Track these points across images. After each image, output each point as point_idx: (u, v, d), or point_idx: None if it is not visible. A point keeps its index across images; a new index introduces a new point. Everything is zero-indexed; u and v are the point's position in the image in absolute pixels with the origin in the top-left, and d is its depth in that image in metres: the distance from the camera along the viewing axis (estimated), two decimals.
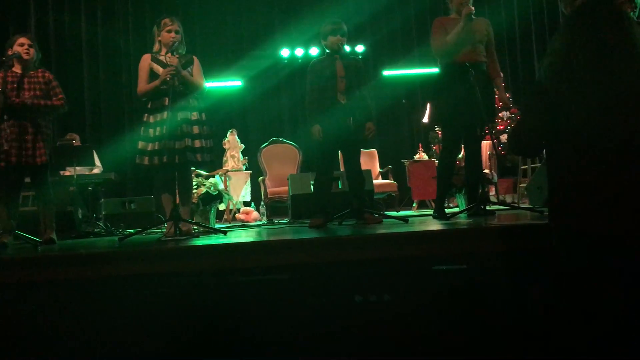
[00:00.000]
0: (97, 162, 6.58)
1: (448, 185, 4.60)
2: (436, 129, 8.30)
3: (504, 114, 8.69)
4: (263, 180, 7.30)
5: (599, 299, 1.93)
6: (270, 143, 7.71)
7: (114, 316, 2.70)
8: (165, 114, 3.84)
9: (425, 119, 8.17)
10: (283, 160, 7.54)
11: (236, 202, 7.35)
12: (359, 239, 2.94)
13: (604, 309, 1.92)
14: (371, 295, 2.67)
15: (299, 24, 8.99)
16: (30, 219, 4.56)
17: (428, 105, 7.38)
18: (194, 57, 4.15)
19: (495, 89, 4.41)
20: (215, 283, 2.74)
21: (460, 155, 5.05)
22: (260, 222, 6.36)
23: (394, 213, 5.89)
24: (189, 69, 4.04)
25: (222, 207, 6.53)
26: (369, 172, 5.79)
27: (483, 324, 2.65)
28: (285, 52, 9.26)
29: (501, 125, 8.63)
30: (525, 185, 6.45)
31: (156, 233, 4.58)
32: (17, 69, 4.12)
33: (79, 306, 2.71)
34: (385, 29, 9.65)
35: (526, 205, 5.50)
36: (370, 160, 8.00)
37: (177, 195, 3.95)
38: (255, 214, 6.89)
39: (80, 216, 5.49)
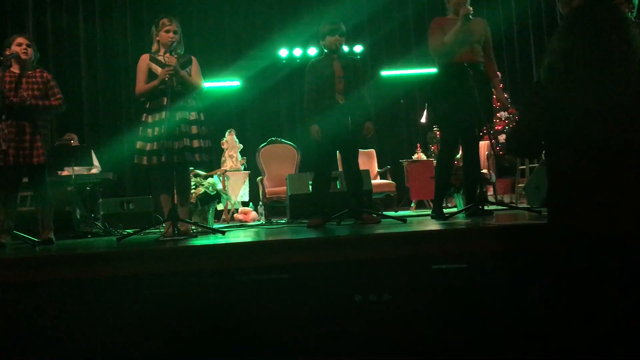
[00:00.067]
0: (96, 162, 6.58)
1: (446, 185, 4.60)
2: (434, 129, 8.31)
3: (502, 114, 8.70)
4: (261, 180, 7.29)
5: (599, 299, 1.93)
6: (269, 143, 7.70)
7: (112, 316, 2.69)
8: (163, 114, 3.83)
9: (424, 119, 8.18)
10: (281, 160, 7.54)
11: (234, 202, 7.35)
12: (357, 239, 2.94)
13: (604, 309, 1.92)
14: (371, 295, 2.67)
15: (298, 24, 8.99)
16: (28, 219, 4.55)
17: (426, 105, 7.38)
18: (193, 57, 4.14)
19: (492, 89, 4.42)
20: (213, 283, 2.73)
21: (458, 156, 5.05)
22: (259, 222, 6.36)
23: (392, 213, 5.89)
24: (187, 69, 4.04)
25: (220, 207, 6.53)
26: (367, 172, 5.79)
27: (482, 323, 2.65)
28: (283, 52, 9.26)
29: (499, 126, 8.64)
30: (523, 185, 6.45)
31: (154, 233, 4.58)
32: (15, 68, 4.11)
33: (77, 306, 2.70)
34: (384, 29, 9.65)
35: (524, 205, 5.51)
36: (368, 160, 8.01)
37: (176, 195, 3.95)
38: (253, 214, 6.89)
39: (78, 216, 5.48)
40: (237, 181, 7.59)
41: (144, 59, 4.03)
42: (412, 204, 8.00)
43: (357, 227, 3.90)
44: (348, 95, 4.28)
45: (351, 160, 4.38)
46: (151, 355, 2.66)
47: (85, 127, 8.94)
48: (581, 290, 1.98)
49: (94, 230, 5.26)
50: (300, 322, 2.68)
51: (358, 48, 9.31)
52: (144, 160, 3.91)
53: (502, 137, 8.55)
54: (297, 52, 9.24)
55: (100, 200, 6.07)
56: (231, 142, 7.93)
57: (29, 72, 4.13)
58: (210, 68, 8.07)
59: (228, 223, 6.62)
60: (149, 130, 3.91)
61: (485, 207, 4.11)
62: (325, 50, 4.37)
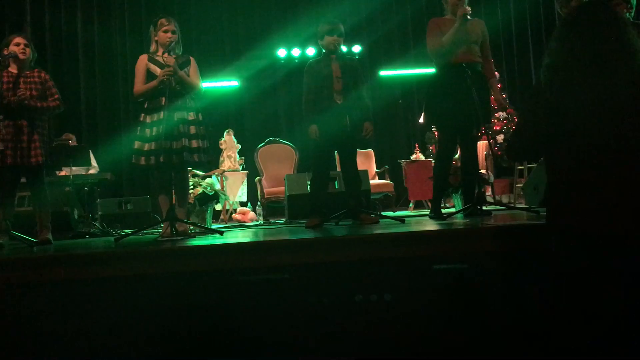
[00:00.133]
0: (94, 162, 6.56)
1: (444, 185, 4.60)
2: (433, 129, 8.30)
3: (500, 114, 8.70)
4: (259, 181, 7.29)
5: (599, 299, 1.94)
6: (267, 143, 7.70)
7: (110, 317, 2.69)
8: (162, 114, 3.83)
9: (422, 120, 8.18)
10: (280, 161, 7.54)
11: (233, 202, 7.34)
12: (355, 239, 2.94)
13: (604, 309, 1.93)
14: (372, 295, 2.67)
15: (296, 24, 8.99)
16: (26, 220, 4.55)
17: (424, 106, 7.39)
18: (191, 58, 4.14)
19: (490, 90, 4.42)
20: (212, 283, 2.73)
21: (456, 156, 5.06)
22: (257, 223, 6.36)
23: (390, 213, 5.89)
24: (185, 69, 4.04)
25: (218, 207, 6.53)
26: (365, 172, 5.79)
27: (482, 323, 2.65)
28: (282, 52, 9.25)
29: (497, 126, 8.64)
30: (521, 185, 6.46)
31: (152, 233, 4.57)
32: (13, 68, 4.11)
33: (75, 307, 2.70)
34: (382, 29, 9.65)
35: (522, 205, 5.52)
36: (366, 161, 8.01)
37: (174, 196, 3.94)
38: (251, 214, 6.88)
39: (76, 216, 5.48)
40: (235, 181, 7.58)
41: (142, 59, 4.03)
42: (411, 204, 8.00)
43: (356, 227, 3.90)
44: (346, 95, 4.27)
45: (349, 160, 4.38)
46: (149, 356, 2.65)
47: (83, 127, 8.93)
48: (581, 290, 1.98)
49: (92, 231, 5.25)
50: (298, 322, 2.68)
51: (356, 48, 9.31)
52: (142, 161, 3.90)
53: (500, 137, 8.55)
54: (296, 52, 9.23)
55: (99, 200, 6.06)
56: (229, 142, 7.93)
57: (27, 72, 4.13)
58: (208, 68, 8.07)
59: (226, 223, 6.62)
60: (147, 131, 3.91)
61: (484, 207, 4.11)
62: (324, 51, 4.37)
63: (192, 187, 5.26)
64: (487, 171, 6.91)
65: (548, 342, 2.18)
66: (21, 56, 4.09)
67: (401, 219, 4.03)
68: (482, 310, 2.68)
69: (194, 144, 3.95)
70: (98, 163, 6.69)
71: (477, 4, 9.09)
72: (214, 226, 5.36)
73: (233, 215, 7.03)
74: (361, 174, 4.59)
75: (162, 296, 2.71)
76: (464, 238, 2.84)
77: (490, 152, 6.85)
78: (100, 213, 5.88)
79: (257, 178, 7.39)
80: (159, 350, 2.66)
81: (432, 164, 4.63)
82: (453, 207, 6.30)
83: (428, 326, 2.67)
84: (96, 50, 9.09)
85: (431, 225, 3.55)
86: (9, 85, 4.02)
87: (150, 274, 2.74)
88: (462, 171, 4.48)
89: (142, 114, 3.99)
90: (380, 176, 8.07)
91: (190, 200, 5.04)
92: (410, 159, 8.26)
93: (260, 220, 6.55)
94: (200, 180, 5.66)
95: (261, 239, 3.49)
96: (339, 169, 4.88)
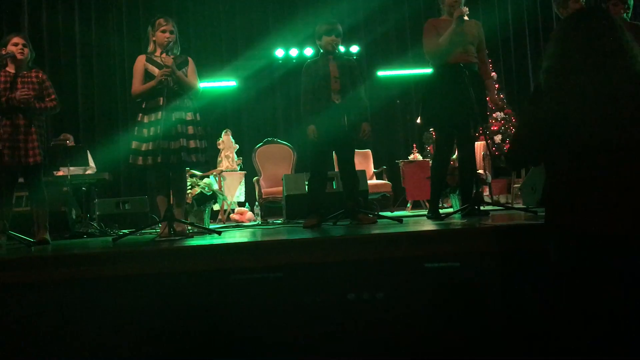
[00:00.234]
0: (91, 162, 6.56)
1: (442, 185, 4.60)
2: (430, 129, 8.30)
3: (498, 115, 8.71)
4: (257, 181, 7.29)
5: (598, 299, 1.95)
6: (265, 143, 7.70)
7: (108, 317, 2.69)
8: (159, 114, 3.83)
9: (419, 120, 8.19)
10: (277, 161, 7.54)
11: (230, 202, 7.33)
12: (353, 239, 2.94)
13: (604, 309, 1.94)
14: (364, 294, 2.67)
15: (294, 24, 8.99)
16: (24, 220, 4.54)
17: (421, 106, 7.39)
18: (189, 58, 4.14)
19: (486, 90, 4.42)
20: (210, 283, 2.73)
21: (454, 156, 5.06)
22: (255, 223, 6.36)
23: (388, 213, 5.90)
24: (183, 69, 4.04)
25: (216, 207, 6.52)
26: (363, 172, 5.79)
27: (478, 323, 2.66)
28: (279, 53, 9.25)
29: (495, 126, 8.66)
30: (519, 185, 6.47)
31: (150, 233, 4.57)
32: (11, 68, 4.10)
33: (72, 307, 2.69)
34: (380, 29, 9.65)
35: (520, 205, 5.52)
36: (364, 161, 8.01)
37: (172, 196, 3.95)
38: (249, 214, 6.88)
39: (74, 216, 5.47)
40: (233, 181, 7.58)
41: (140, 59, 4.03)
42: (408, 205, 8.00)
43: (353, 228, 3.90)
44: (344, 95, 4.27)
45: (347, 161, 4.38)
46: (147, 356, 2.65)
47: (81, 127, 8.92)
48: (581, 290, 1.99)
49: (89, 231, 5.25)
50: (296, 322, 2.68)
51: (354, 48, 9.31)
52: (139, 161, 3.90)
53: (498, 138, 8.56)
54: (294, 52, 9.23)
55: (96, 200, 6.06)
56: (227, 142, 7.92)
57: (25, 72, 4.13)
58: (206, 68, 8.06)
59: (224, 223, 6.61)
60: (145, 131, 3.90)
61: (481, 208, 4.12)
62: (322, 51, 4.38)
63: (190, 187, 5.26)
64: (484, 171, 6.92)
65: (547, 342, 2.19)
66: (19, 56, 4.08)
67: (399, 219, 4.04)
68: (480, 310, 2.68)
69: (192, 144, 3.96)
70: (96, 163, 6.67)
71: (475, 3, 9.11)
72: (211, 226, 5.36)
73: (231, 215, 7.03)
74: (359, 174, 4.59)
75: (159, 296, 2.71)
76: (461, 238, 2.84)
77: (488, 153, 6.85)
78: (97, 213, 5.88)
79: (255, 178, 7.39)
80: (157, 350, 2.66)
81: (430, 164, 4.62)
82: (451, 207, 6.31)
83: (427, 326, 2.68)
84: (94, 50, 9.08)
85: (429, 226, 3.55)
86: (6, 85, 4.01)
87: (148, 274, 2.74)
88: (459, 171, 4.48)
89: (140, 114, 3.99)
90: (378, 176, 8.07)
91: (188, 201, 5.04)
92: (408, 159, 8.26)
93: (258, 221, 6.55)
94: (198, 180, 5.66)
95: (259, 239, 3.50)
96: (336, 169, 4.88)
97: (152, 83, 3.89)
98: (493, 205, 5.40)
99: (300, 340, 2.65)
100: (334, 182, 5.54)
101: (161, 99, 3.82)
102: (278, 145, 7.71)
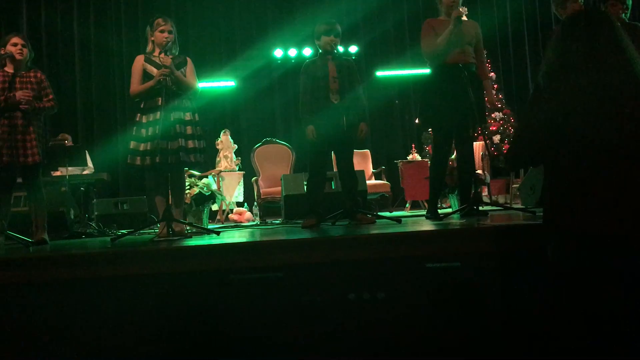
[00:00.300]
0: (89, 162, 6.55)
1: (441, 185, 4.61)
2: (429, 129, 8.31)
3: (497, 115, 8.72)
4: (256, 181, 7.28)
5: (598, 299, 1.95)
6: (264, 143, 7.70)
7: (106, 317, 2.69)
8: (158, 114, 3.82)
9: (418, 121, 8.19)
10: (276, 161, 7.53)
11: (229, 202, 7.34)
12: (352, 239, 2.94)
13: (604, 309, 1.94)
14: (365, 294, 2.67)
15: (292, 24, 8.98)
16: (22, 220, 4.54)
17: (419, 107, 7.40)
18: (188, 58, 4.14)
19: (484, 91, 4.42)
20: (208, 283, 2.73)
21: (453, 156, 5.07)
22: (253, 223, 6.36)
23: (387, 213, 5.90)
24: (182, 69, 4.03)
25: (215, 207, 6.52)
26: (362, 172, 5.79)
27: (478, 323, 2.66)
28: (278, 53, 9.24)
29: (494, 126, 8.66)
30: (517, 186, 6.47)
31: (149, 234, 4.57)
32: (9, 68, 4.10)
33: (71, 307, 2.69)
34: (379, 29, 9.64)
35: (518, 205, 5.53)
36: (363, 161, 8.01)
37: (170, 196, 3.94)
38: (248, 214, 6.88)
39: (72, 216, 5.46)
40: (231, 181, 7.58)
41: (139, 60, 4.03)
42: (407, 205, 8.01)
43: (352, 228, 3.90)
44: (343, 95, 4.28)
45: (346, 161, 4.38)
46: (145, 356, 2.65)
47: (79, 127, 8.91)
48: (581, 290, 1.99)
49: (88, 231, 5.24)
50: (295, 322, 2.68)
51: (353, 48, 9.30)
52: (137, 161, 3.90)
53: (496, 138, 8.57)
54: (292, 52, 9.22)
55: (95, 200, 6.05)
56: (226, 142, 7.92)
57: (23, 72, 4.12)
58: (204, 68, 8.06)
59: (223, 223, 6.61)
60: (143, 131, 3.90)
61: (480, 208, 4.12)
62: (320, 51, 4.38)
63: (188, 187, 5.26)
64: (483, 171, 6.92)
65: (547, 342, 2.19)
66: (18, 57, 4.08)
67: (398, 219, 4.03)
68: (479, 310, 2.68)
69: (191, 144, 3.95)
70: (94, 163, 6.67)
71: (474, 4, 9.12)
72: (210, 226, 5.35)
73: (229, 215, 7.03)
74: (358, 174, 4.59)
75: (158, 296, 2.70)
76: (460, 238, 2.84)
77: (487, 153, 6.85)
78: (96, 213, 5.87)
79: (253, 178, 7.38)
80: (156, 350, 2.66)
81: (429, 165, 4.62)
82: (449, 207, 6.31)
83: (426, 326, 2.68)
84: (92, 50, 9.07)
85: (427, 226, 3.55)
86: (4, 85, 4.01)
87: (146, 274, 2.74)
88: (458, 171, 4.48)
89: (138, 114, 3.98)
90: (377, 176, 8.07)
91: (186, 201, 5.04)
92: (406, 159, 8.26)
93: (257, 221, 6.55)
94: (196, 180, 5.65)
95: (258, 239, 3.50)
96: (335, 169, 4.88)
97: (150, 83, 3.88)
98: (492, 205, 5.40)
99: (300, 340, 2.65)
100: (332, 182, 5.53)
101: (160, 99, 3.82)
102: (277, 146, 7.71)
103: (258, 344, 2.66)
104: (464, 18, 4.09)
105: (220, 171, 7.46)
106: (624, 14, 4.32)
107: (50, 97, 4.17)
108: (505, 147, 8.29)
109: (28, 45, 4.17)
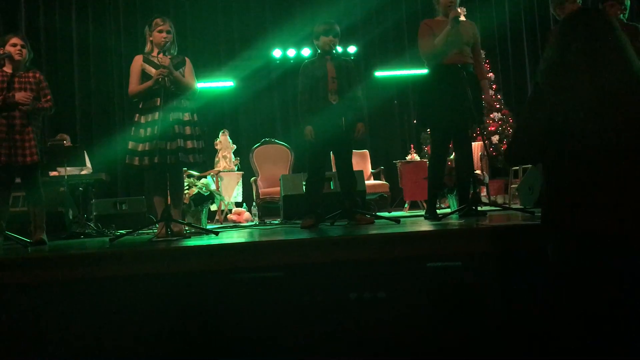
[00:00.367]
0: (88, 162, 6.55)
1: (439, 186, 4.61)
2: (428, 129, 8.31)
3: (495, 115, 8.72)
4: (255, 181, 7.28)
5: (598, 299, 1.95)
6: (262, 144, 7.69)
7: (105, 317, 2.68)
8: (156, 114, 3.82)
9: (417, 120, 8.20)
10: (275, 161, 7.53)
11: (228, 202, 7.34)
12: (350, 239, 2.94)
13: (604, 309, 1.94)
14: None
15: (291, 24, 8.98)
16: (21, 220, 4.53)
17: (418, 107, 7.40)
18: (186, 58, 4.14)
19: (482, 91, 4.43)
20: (207, 283, 2.72)
21: (452, 157, 5.07)
22: (252, 223, 6.36)
23: (385, 214, 5.90)
24: (181, 69, 4.03)
25: (213, 207, 6.52)
26: (360, 172, 5.79)
27: (477, 322, 2.66)
28: (277, 53, 9.24)
29: (492, 127, 8.67)
30: (516, 186, 6.48)
31: (147, 234, 4.56)
32: (8, 68, 4.09)
33: (69, 307, 2.69)
34: (377, 30, 9.66)
35: (517, 206, 5.53)
36: (362, 161, 8.01)
37: (169, 196, 3.94)
38: (247, 214, 6.88)
39: (70, 217, 5.46)
40: (230, 182, 7.58)
41: (137, 60, 4.02)
42: (406, 205, 8.01)
43: (351, 228, 3.90)
44: (341, 95, 4.28)
45: (345, 161, 4.38)
46: (144, 356, 2.65)
47: (78, 127, 8.91)
48: (581, 290, 1.99)
49: (86, 231, 5.23)
50: (295, 321, 2.68)
51: (352, 49, 9.30)
52: (136, 161, 3.89)
53: (495, 138, 8.57)
54: (291, 52, 9.22)
55: (93, 200, 6.05)
56: (225, 142, 7.92)
57: (22, 73, 4.12)
58: (203, 68, 8.06)
59: (221, 224, 6.61)
60: (141, 131, 3.90)
61: (479, 208, 4.12)
62: (319, 51, 4.38)
63: (187, 187, 5.26)
64: (482, 172, 6.93)
65: (547, 342, 2.19)
66: (17, 57, 4.07)
67: (396, 220, 4.03)
68: (479, 310, 2.68)
69: (189, 144, 3.95)
70: (93, 163, 6.67)
71: (472, 4, 9.12)
72: (209, 227, 5.35)
73: (228, 215, 7.03)
74: (356, 174, 4.59)
75: (157, 297, 2.70)
76: (459, 238, 2.84)
77: (486, 153, 6.86)
78: (95, 213, 5.87)
79: (252, 178, 7.38)
80: (156, 350, 2.66)
81: (427, 165, 4.62)
82: (448, 207, 6.32)
83: (426, 326, 2.67)
84: (91, 50, 9.06)
85: (426, 226, 3.55)
86: (3, 85, 4.01)
87: (145, 275, 2.74)
88: (457, 172, 4.48)
89: (137, 114, 3.98)
90: (376, 177, 8.07)
91: (185, 201, 5.03)
92: (405, 159, 8.27)
93: (256, 221, 6.55)
94: (195, 180, 5.65)
95: (256, 239, 3.49)
96: (334, 170, 4.88)
97: (149, 83, 3.88)
98: (490, 205, 5.40)
99: (300, 340, 2.65)
100: (331, 183, 5.53)
101: (158, 99, 3.82)
102: (275, 146, 7.70)
103: (258, 344, 2.66)
104: (462, 18, 4.09)
105: (219, 171, 7.46)
106: (622, 15, 4.33)
107: (48, 97, 4.17)
108: (504, 148, 8.29)
109: (27, 46, 4.17)
